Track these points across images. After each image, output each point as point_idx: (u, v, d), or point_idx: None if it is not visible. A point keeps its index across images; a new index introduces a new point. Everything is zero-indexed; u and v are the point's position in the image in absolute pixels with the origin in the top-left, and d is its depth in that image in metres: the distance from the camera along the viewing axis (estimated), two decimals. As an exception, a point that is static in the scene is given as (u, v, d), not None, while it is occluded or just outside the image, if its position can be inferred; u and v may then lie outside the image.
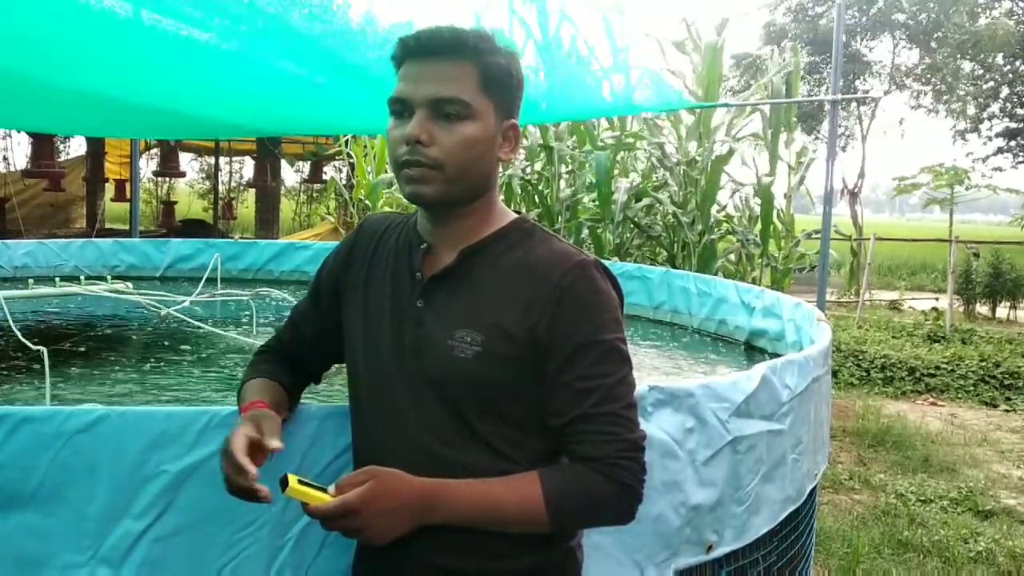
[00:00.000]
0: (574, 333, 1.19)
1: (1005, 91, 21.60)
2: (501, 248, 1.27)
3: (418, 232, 1.32)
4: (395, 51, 1.25)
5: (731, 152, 7.88)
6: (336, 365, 1.51)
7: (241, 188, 20.19)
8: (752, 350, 4.17)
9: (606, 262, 1.29)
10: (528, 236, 1.28)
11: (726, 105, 7.65)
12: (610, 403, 1.19)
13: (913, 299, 13.50)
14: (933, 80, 21.15)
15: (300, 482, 1.13)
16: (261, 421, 1.24)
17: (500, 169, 1.34)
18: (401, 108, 1.22)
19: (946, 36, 19.64)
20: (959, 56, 19.65)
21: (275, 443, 1.19)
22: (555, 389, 1.20)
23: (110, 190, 15.49)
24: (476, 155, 1.22)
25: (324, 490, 1.13)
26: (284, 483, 1.12)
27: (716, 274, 6.92)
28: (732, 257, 8.47)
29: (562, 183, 8.49)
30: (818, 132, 20.90)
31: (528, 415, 1.24)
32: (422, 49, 1.21)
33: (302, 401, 1.54)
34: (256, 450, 1.20)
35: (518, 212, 1.35)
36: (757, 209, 8.11)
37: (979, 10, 19.79)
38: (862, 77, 21.34)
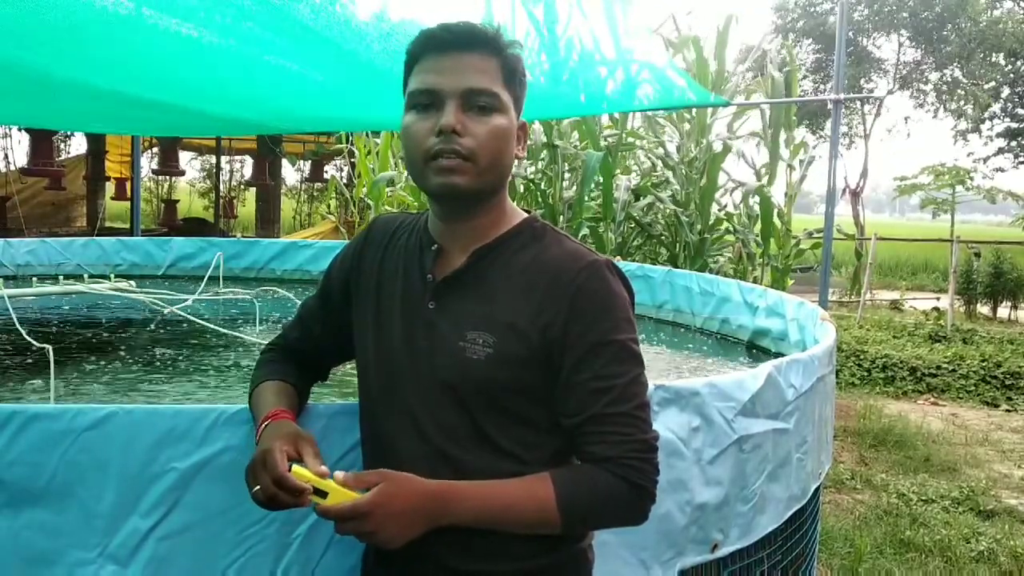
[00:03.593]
0: (587, 333, 1.19)
1: (1006, 91, 21.59)
2: (513, 248, 1.27)
3: (428, 232, 1.31)
4: (414, 44, 1.24)
5: (726, 150, 7.87)
6: (343, 364, 1.51)
7: (242, 187, 20.21)
8: (755, 350, 4.17)
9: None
10: (539, 236, 1.28)
11: (729, 104, 7.64)
12: (623, 403, 1.19)
13: (914, 299, 13.49)
14: (935, 79, 21.15)
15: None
16: (299, 440, 1.21)
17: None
18: (427, 100, 1.21)
19: (949, 35, 19.63)
20: (963, 55, 19.62)
21: (323, 468, 1.15)
22: (568, 389, 1.20)
23: (111, 189, 15.50)
24: (502, 147, 1.23)
25: (328, 478, 1.13)
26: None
27: (712, 274, 6.92)
28: (727, 256, 8.47)
29: (565, 182, 8.48)
30: (823, 130, 20.89)
31: (539, 416, 1.23)
32: (453, 41, 1.21)
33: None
34: None
35: (527, 211, 1.34)
36: (757, 208, 8.11)
37: (989, 7, 19.75)
38: (868, 76, 21.32)
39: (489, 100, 1.20)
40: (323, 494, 1.12)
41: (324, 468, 1.15)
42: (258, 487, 1.16)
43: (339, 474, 1.12)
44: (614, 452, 1.18)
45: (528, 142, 1.35)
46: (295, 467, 1.14)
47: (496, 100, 1.21)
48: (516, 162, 1.31)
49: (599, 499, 1.18)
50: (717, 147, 7.99)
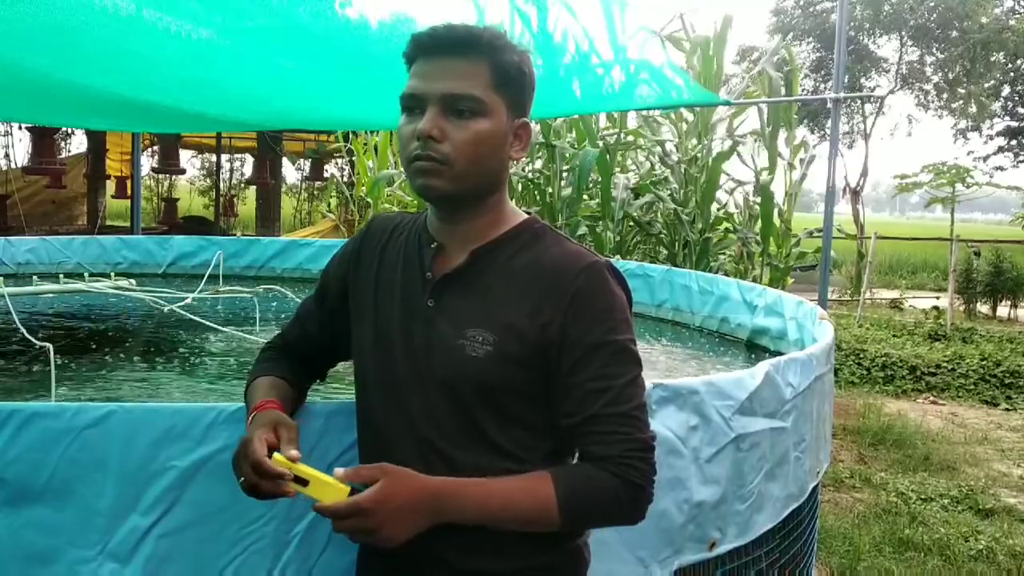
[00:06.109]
0: (586, 334, 1.20)
1: (1006, 90, 21.58)
2: (513, 248, 1.27)
3: (428, 231, 1.31)
4: (407, 48, 1.25)
5: (734, 147, 7.87)
6: (342, 363, 1.52)
7: (242, 185, 20.23)
8: (754, 348, 4.18)
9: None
10: (539, 237, 1.28)
11: (729, 103, 7.64)
12: (621, 404, 1.19)
13: (914, 298, 13.50)
14: (935, 78, 21.15)
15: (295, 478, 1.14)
16: (278, 425, 1.23)
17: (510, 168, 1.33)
18: (413, 104, 1.22)
19: (950, 35, 19.62)
20: (964, 55, 19.61)
21: (292, 452, 1.17)
22: (567, 389, 1.21)
23: (111, 187, 15.49)
24: (486, 152, 1.22)
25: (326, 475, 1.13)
26: None
27: (713, 273, 6.92)
28: (728, 253, 8.47)
29: (562, 181, 8.48)
30: (824, 129, 20.88)
31: (537, 416, 1.24)
32: (436, 46, 1.22)
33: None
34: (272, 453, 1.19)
35: (528, 212, 1.35)
36: (757, 207, 8.10)
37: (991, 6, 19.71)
38: (868, 75, 21.30)
39: (470, 105, 1.20)
40: (304, 482, 1.12)
41: (295, 452, 1.16)
42: (243, 477, 1.18)
43: (339, 470, 1.12)
44: (612, 452, 1.18)
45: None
46: (276, 455, 1.15)
47: (479, 105, 1.20)
48: (514, 162, 1.31)
49: (597, 498, 1.18)
50: (718, 146, 7.99)
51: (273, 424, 1.23)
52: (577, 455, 1.25)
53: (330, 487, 1.12)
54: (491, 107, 1.22)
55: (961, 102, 20.87)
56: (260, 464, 1.14)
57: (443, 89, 1.20)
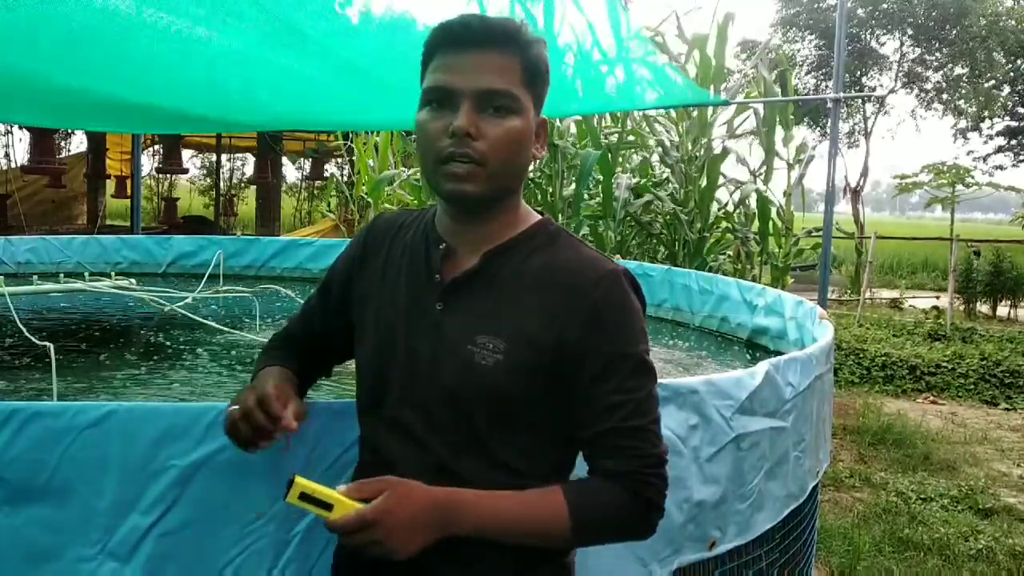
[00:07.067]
0: (606, 345, 1.16)
1: (1006, 89, 21.58)
2: (527, 250, 1.22)
3: (436, 231, 1.26)
4: (431, 37, 1.19)
5: (725, 152, 7.88)
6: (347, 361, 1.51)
7: (242, 185, 20.25)
8: (754, 348, 4.18)
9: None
10: (553, 240, 1.24)
11: (729, 103, 7.63)
12: (639, 417, 1.16)
13: (914, 298, 13.50)
14: (937, 78, 21.15)
15: (304, 496, 1.10)
16: (288, 383, 1.29)
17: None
18: (441, 98, 1.17)
19: (950, 33, 19.62)
20: (966, 53, 19.60)
21: (292, 421, 1.21)
22: (585, 401, 1.17)
23: (111, 187, 15.49)
24: (518, 151, 1.19)
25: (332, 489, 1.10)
26: (289, 485, 1.09)
27: (709, 272, 6.91)
28: (728, 254, 8.47)
29: (564, 180, 8.47)
30: (824, 128, 20.87)
31: (542, 427, 1.20)
32: (469, 38, 1.16)
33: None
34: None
35: (541, 213, 1.30)
36: (755, 207, 8.10)
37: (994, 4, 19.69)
38: (869, 73, 21.30)
39: (505, 102, 1.15)
40: (328, 507, 1.08)
41: (293, 421, 1.21)
42: (235, 406, 1.20)
43: (341, 487, 1.09)
44: (629, 467, 1.15)
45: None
46: (297, 477, 1.10)
47: (513, 102, 1.16)
48: (534, 161, 1.26)
49: (610, 512, 1.16)
50: (717, 146, 7.99)
51: (287, 379, 1.27)
52: (589, 468, 1.21)
53: (353, 509, 1.08)
54: (523, 104, 1.18)
55: (962, 101, 20.85)
56: (266, 398, 1.17)
57: (480, 84, 1.14)
